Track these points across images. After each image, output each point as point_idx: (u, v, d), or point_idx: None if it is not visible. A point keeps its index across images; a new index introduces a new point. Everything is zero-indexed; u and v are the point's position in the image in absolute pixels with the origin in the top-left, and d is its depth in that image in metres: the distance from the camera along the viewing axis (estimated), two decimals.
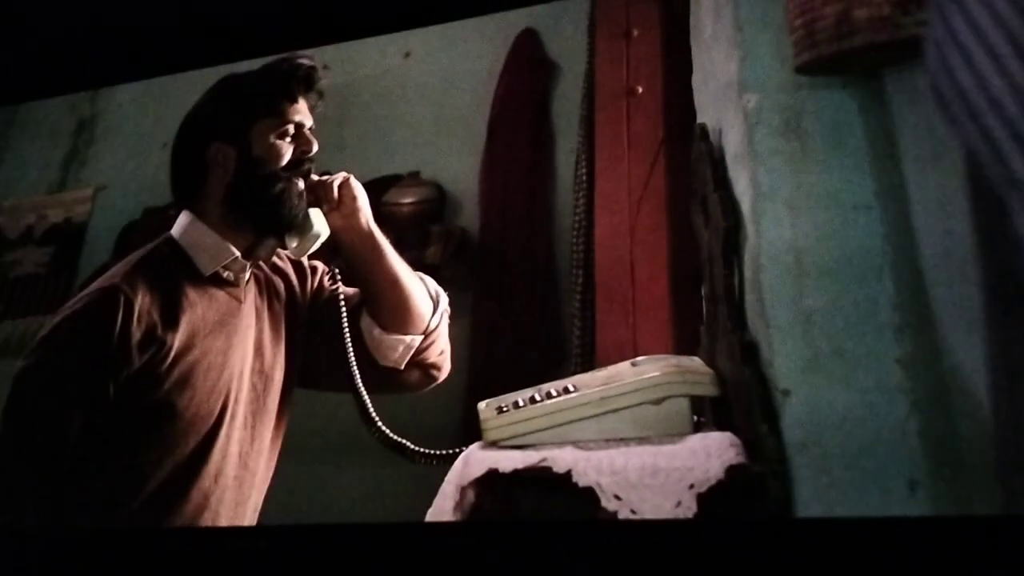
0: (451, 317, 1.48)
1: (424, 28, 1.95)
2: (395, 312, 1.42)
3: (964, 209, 1.09)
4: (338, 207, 1.39)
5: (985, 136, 0.86)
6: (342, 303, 1.43)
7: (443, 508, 1.25)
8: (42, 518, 1.27)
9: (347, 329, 1.42)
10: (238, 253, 1.36)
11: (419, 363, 1.45)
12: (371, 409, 1.40)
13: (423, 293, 1.45)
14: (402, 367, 1.44)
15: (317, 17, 1.96)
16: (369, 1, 1.94)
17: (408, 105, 1.96)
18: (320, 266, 1.50)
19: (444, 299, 1.48)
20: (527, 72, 1.89)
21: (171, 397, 1.29)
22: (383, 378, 1.44)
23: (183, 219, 1.39)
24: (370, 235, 1.41)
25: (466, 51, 1.95)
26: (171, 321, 1.30)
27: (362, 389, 1.40)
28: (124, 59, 2.18)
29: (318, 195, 1.39)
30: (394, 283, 1.41)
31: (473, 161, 1.87)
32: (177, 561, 1.40)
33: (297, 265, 1.48)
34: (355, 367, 1.41)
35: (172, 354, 1.29)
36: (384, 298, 1.42)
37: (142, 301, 1.28)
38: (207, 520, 1.32)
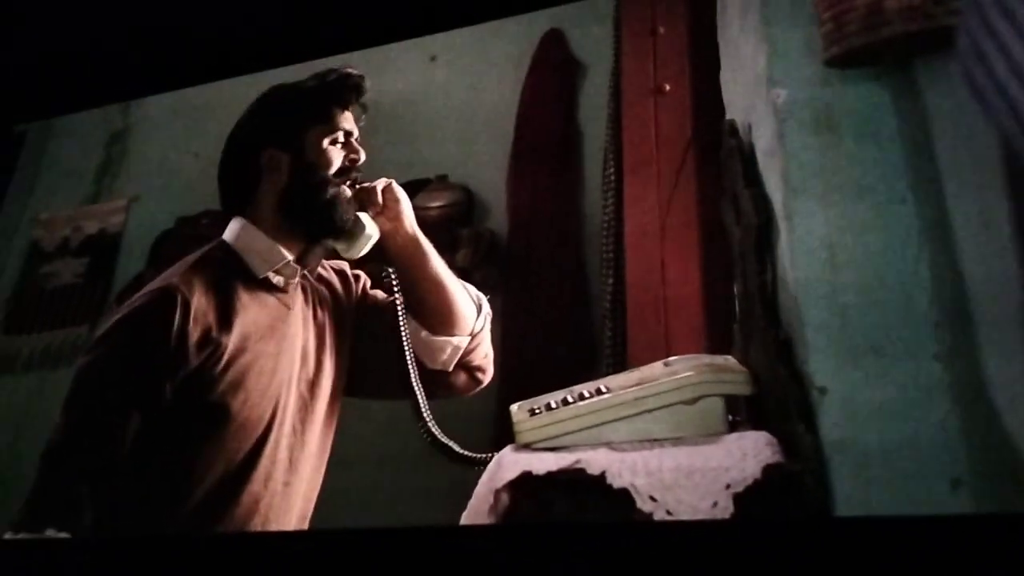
0: None
1: (449, 31, 1.96)
2: (441, 314, 1.44)
3: (1001, 200, 1.07)
4: (383, 211, 1.42)
5: (1022, 125, 0.85)
6: (400, 306, 1.45)
7: (477, 511, 1.25)
8: (96, 516, 1.28)
9: (404, 328, 1.43)
10: (291, 257, 1.39)
11: (465, 365, 1.47)
12: (424, 407, 1.42)
13: (466, 295, 1.47)
14: (450, 369, 1.46)
15: (343, 24, 1.97)
16: (394, 6, 1.95)
17: (434, 109, 1.96)
18: (362, 275, 1.53)
19: (486, 303, 1.50)
20: (553, 72, 1.88)
21: (225, 399, 1.31)
22: (431, 381, 1.45)
23: (235, 224, 1.41)
24: (414, 238, 1.43)
25: (492, 53, 1.95)
26: (226, 323, 1.32)
27: (417, 385, 1.42)
28: (155, 71, 2.21)
29: (362, 200, 1.42)
30: (439, 285, 1.44)
31: (501, 163, 1.86)
32: (218, 565, 1.42)
33: (341, 274, 1.51)
34: (412, 364, 1.43)
35: (226, 356, 1.31)
36: (430, 300, 1.44)
37: (198, 301, 1.30)
38: (257, 524, 1.33)
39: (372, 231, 1.41)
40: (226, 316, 1.33)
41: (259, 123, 1.43)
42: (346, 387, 1.47)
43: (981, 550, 1.02)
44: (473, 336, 1.46)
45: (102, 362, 1.31)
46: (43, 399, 2.10)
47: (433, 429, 1.41)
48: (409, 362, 1.43)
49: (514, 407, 1.34)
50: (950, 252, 1.13)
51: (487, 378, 1.50)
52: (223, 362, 1.31)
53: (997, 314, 1.07)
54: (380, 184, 1.43)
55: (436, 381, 1.46)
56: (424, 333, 1.44)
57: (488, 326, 1.49)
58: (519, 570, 1.28)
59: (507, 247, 1.80)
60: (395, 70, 2.00)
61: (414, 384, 1.42)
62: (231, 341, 1.32)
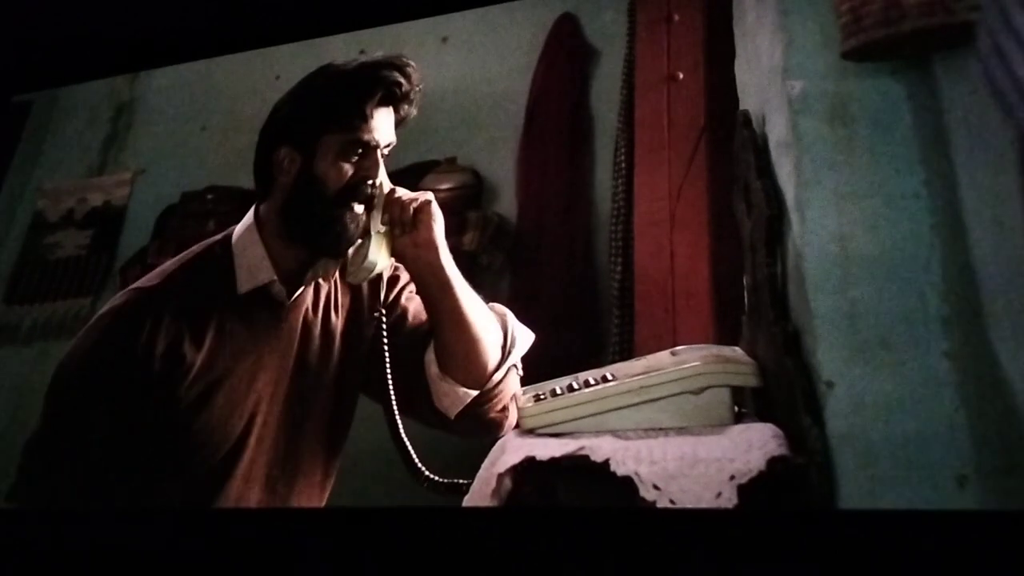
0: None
1: (462, 12, 1.94)
2: (453, 357, 1.31)
3: (1016, 199, 1.07)
4: (410, 232, 1.28)
5: None
6: (387, 352, 1.34)
7: (480, 494, 1.25)
8: (66, 502, 1.27)
9: (390, 374, 1.33)
10: (275, 277, 1.30)
11: (474, 416, 1.33)
12: (417, 461, 1.33)
13: (493, 341, 1.33)
14: (452, 416, 1.33)
15: (355, 0, 1.96)
16: None
17: (445, 90, 1.95)
18: (403, 276, 1.40)
19: (518, 348, 1.35)
20: (566, 57, 1.86)
21: (186, 418, 1.25)
22: (436, 418, 1.35)
23: (244, 222, 1.34)
24: (440, 269, 1.29)
25: (504, 36, 1.93)
26: (197, 337, 1.26)
27: (406, 442, 1.33)
28: (163, 43, 2.19)
29: (392, 214, 1.29)
30: (458, 326, 1.30)
31: (511, 147, 1.85)
32: (195, 546, 1.41)
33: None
34: (398, 418, 1.33)
35: (192, 373, 1.25)
36: (445, 339, 1.31)
37: (173, 311, 1.26)
38: None
39: (376, 259, 1.28)
40: (199, 330, 1.26)
41: (286, 114, 1.31)
42: (364, 390, 1.39)
43: (986, 546, 1.03)
44: (485, 391, 1.32)
45: (76, 357, 1.29)
46: (44, 370, 2.09)
47: (433, 478, 1.32)
48: (396, 415, 1.33)
49: (519, 392, 1.35)
50: (962, 249, 1.13)
51: (503, 432, 1.32)
52: (188, 378, 1.25)
53: (1008, 311, 1.07)
54: (416, 200, 1.29)
55: (440, 421, 1.34)
56: (435, 369, 1.32)
57: (514, 376, 1.35)
58: (519, 553, 1.28)
59: (515, 231, 1.79)
60: (406, 50, 1.98)
61: (402, 437, 1.33)
62: (200, 357, 1.25)
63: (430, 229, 1.28)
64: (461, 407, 1.32)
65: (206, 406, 1.26)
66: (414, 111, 1.33)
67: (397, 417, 1.33)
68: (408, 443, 1.33)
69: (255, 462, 1.29)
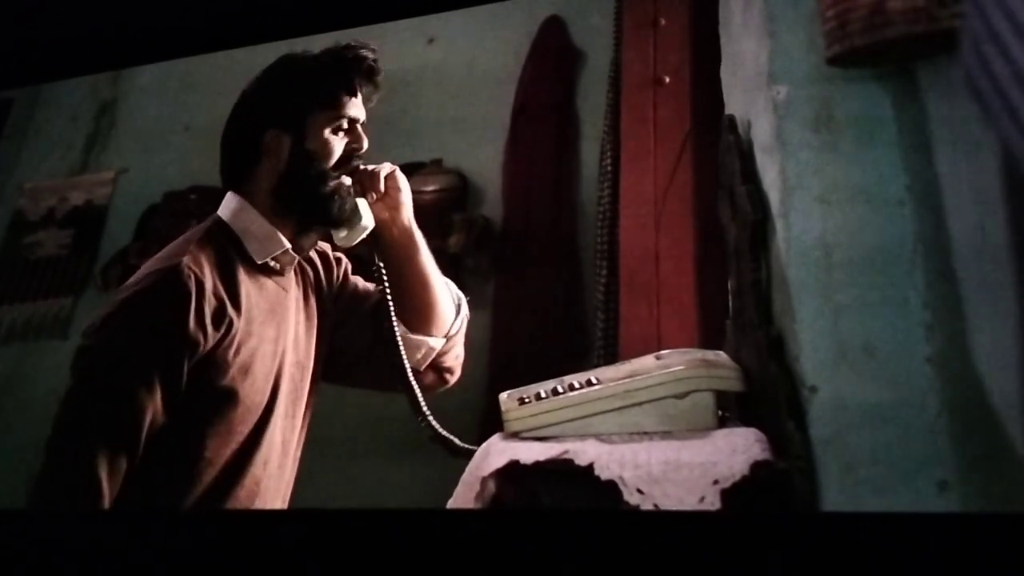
0: (474, 306, 1.49)
1: (448, 13, 1.94)
2: (422, 312, 1.43)
3: (999, 204, 1.08)
4: (382, 199, 1.40)
5: (1021, 130, 0.85)
6: (390, 300, 1.42)
7: (464, 498, 1.25)
8: (102, 504, 1.24)
9: (397, 325, 1.41)
10: (288, 245, 1.37)
11: (436, 366, 1.46)
12: (422, 402, 1.40)
13: (448, 296, 1.46)
14: (421, 369, 1.44)
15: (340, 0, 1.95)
16: None
17: (431, 91, 1.94)
18: (343, 258, 1.50)
19: (465, 305, 1.49)
20: (552, 60, 1.87)
21: (235, 383, 1.29)
22: (400, 377, 1.42)
23: (232, 202, 1.38)
24: (410, 231, 1.41)
25: (491, 37, 1.93)
26: (235, 304, 1.30)
27: (414, 382, 1.40)
28: (147, 40, 2.18)
29: (364, 185, 1.39)
30: (425, 283, 1.42)
31: (496, 149, 1.85)
32: (202, 543, 1.41)
33: (323, 256, 1.48)
34: (407, 361, 1.41)
35: (237, 338, 1.29)
36: (413, 297, 1.42)
37: (209, 281, 1.28)
38: (257, 506, 1.33)
39: (368, 222, 1.39)
40: (234, 297, 1.31)
41: (265, 99, 1.39)
42: (324, 373, 1.45)
43: (967, 549, 1.03)
44: (448, 338, 1.45)
45: (114, 344, 1.27)
46: (23, 370, 2.08)
47: (433, 423, 1.40)
48: (404, 358, 1.41)
49: (503, 395, 1.34)
50: (945, 256, 1.13)
51: (454, 379, 1.48)
52: (235, 345, 1.29)
53: (991, 319, 1.07)
54: (384, 170, 1.40)
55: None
56: (401, 329, 1.42)
57: (464, 328, 1.48)
58: (503, 557, 1.28)
59: (500, 234, 1.79)
60: (391, 51, 1.98)
61: (410, 379, 1.40)
62: (240, 322, 1.30)
63: (399, 193, 1.41)
64: (432, 356, 1.45)
65: (250, 371, 1.31)
66: (376, 97, 1.42)
67: (405, 359, 1.40)
68: (415, 383, 1.41)
69: (275, 426, 1.34)
